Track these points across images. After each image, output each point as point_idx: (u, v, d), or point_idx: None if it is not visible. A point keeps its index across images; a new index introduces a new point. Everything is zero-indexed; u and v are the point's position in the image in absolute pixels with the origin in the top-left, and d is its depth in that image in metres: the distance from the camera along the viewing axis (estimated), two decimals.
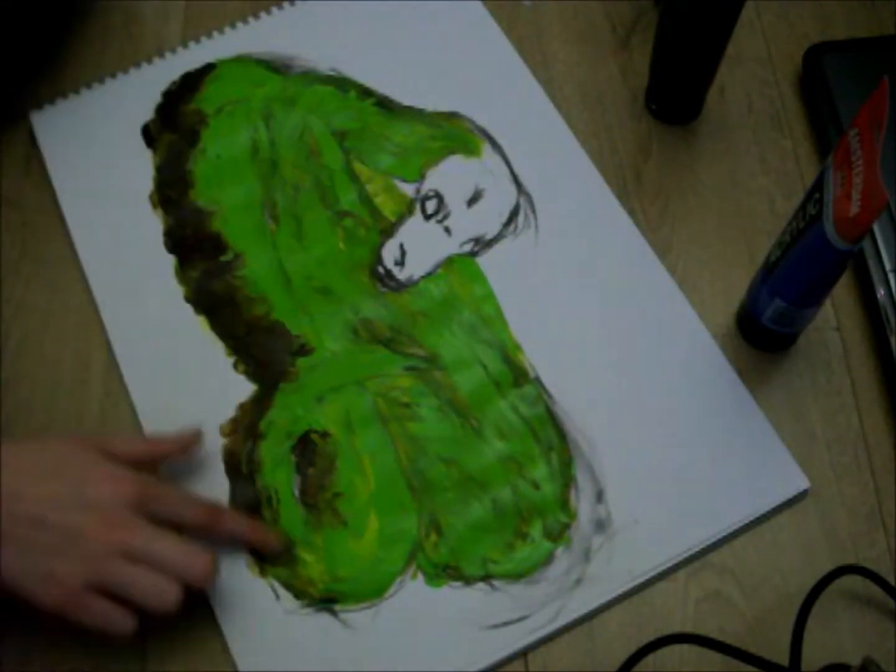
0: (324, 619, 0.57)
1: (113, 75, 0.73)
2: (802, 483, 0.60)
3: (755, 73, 0.74)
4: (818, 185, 0.54)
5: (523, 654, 0.56)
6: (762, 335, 0.63)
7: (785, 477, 0.60)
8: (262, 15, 0.75)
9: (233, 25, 0.75)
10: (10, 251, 0.67)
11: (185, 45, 0.74)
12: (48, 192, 0.69)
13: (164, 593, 0.53)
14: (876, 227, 0.66)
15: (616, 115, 0.72)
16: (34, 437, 0.60)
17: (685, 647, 0.55)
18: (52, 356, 0.64)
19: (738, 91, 0.73)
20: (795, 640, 0.54)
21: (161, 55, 0.74)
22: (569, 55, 0.74)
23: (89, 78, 0.73)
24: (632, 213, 0.68)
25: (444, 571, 0.58)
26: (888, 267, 0.65)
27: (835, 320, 0.66)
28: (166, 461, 0.59)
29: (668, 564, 0.58)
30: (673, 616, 0.57)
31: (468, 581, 0.58)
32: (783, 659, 0.53)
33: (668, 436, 0.61)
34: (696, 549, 0.58)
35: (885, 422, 0.62)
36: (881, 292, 0.64)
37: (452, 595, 0.57)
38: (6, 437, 0.61)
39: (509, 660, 0.56)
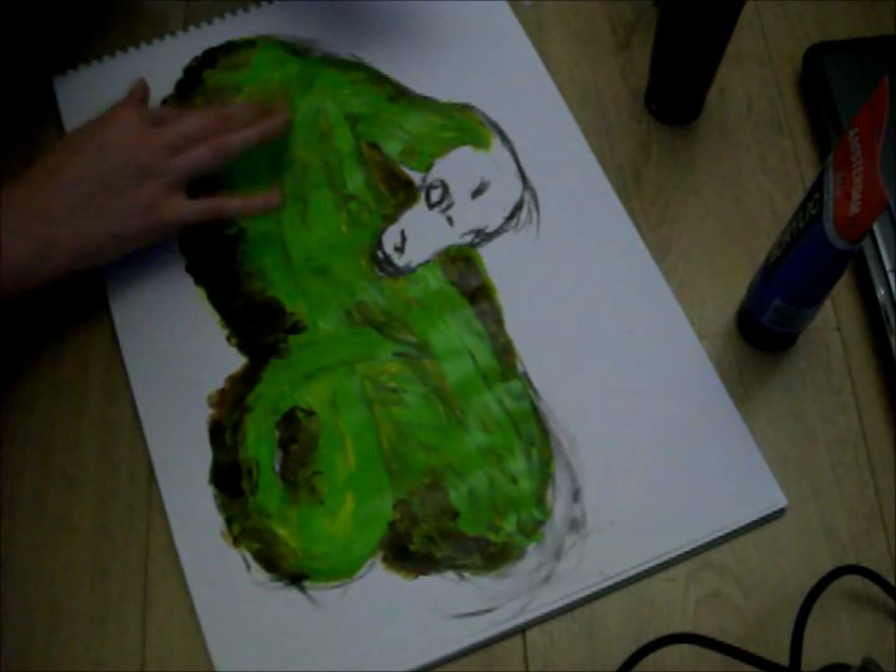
0: (292, 593, 0.57)
1: (137, 46, 0.74)
2: (780, 501, 0.60)
3: (755, 73, 0.74)
4: (818, 185, 0.54)
5: (523, 653, 0.57)
6: (762, 335, 0.63)
7: (763, 493, 0.60)
8: None
9: (258, 5, 0.76)
10: None
11: (209, 21, 0.75)
12: None
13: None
14: (876, 227, 0.66)
15: (616, 115, 0.72)
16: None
17: (685, 647, 0.55)
18: (52, 356, 0.64)
19: (738, 91, 0.73)
20: (795, 640, 0.54)
21: (186, 29, 0.75)
22: (569, 55, 0.74)
23: (115, 47, 0.74)
24: (632, 213, 0.68)
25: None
26: (888, 267, 0.65)
27: (835, 320, 0.66)
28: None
29: (640, 569, 0.58)
30: (673, 616, 0.57)
31: (438, 569, 0.58)
32: (783, 659, 0.53)
33: (650, 442, 0.61)
34: (669, 556, 0.58)
35: (885, 422, 0.62)
36: (881, 292, 0.64)
37: (420, 581, 0.57)
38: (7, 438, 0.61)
39: (471, 650, 0.56)
